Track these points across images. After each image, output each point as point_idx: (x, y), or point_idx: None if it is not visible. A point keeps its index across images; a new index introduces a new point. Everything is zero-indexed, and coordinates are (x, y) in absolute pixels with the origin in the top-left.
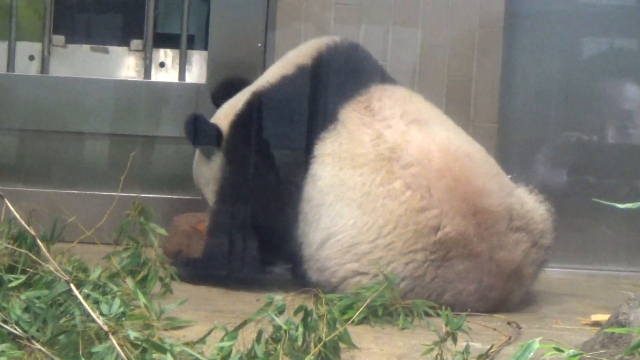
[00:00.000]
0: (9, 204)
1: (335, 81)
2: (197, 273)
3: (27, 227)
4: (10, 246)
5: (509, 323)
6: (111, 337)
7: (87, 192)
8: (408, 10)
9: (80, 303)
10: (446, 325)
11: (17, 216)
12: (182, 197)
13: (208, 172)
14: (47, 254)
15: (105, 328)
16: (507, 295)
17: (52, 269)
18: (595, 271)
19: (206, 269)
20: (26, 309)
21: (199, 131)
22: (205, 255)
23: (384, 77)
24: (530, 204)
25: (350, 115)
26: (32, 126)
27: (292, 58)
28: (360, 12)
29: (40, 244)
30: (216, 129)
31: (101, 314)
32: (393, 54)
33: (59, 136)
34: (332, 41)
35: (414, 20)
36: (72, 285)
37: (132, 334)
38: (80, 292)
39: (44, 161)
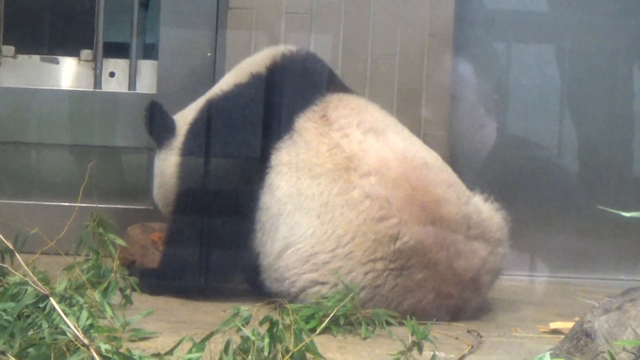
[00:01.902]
0: None
1: (290, 90)
2: (155, 284)
3: (6, 241)
4: None
5: (469, 331)
6: (92, 350)
7: (42, 203)
8: (358, 19)
9: (51, 315)
10: (412, 334)
11: None
12: (134, 207)
13: (164, 181)
14: (24, 266)
15: (86, 341)
16: (465, 303)
17: (29, 281)
18: (546, 278)
19: (164, 279)
20: None
21: (157, 120)
22: (163, 266)
23: (340, 86)
24: (486, 212)
25: (306, 124)
26: None
27: (247, 66)
28: (310, 21)
29: (18, 255)
30: (173, 123)
31: (67, 326)
32: (343, 62)
33: (10, 147)
34: (288, 50)
35: (364, 28)
36: (51, 299)
37: (103, 347)
38: (47, 305)
39: None
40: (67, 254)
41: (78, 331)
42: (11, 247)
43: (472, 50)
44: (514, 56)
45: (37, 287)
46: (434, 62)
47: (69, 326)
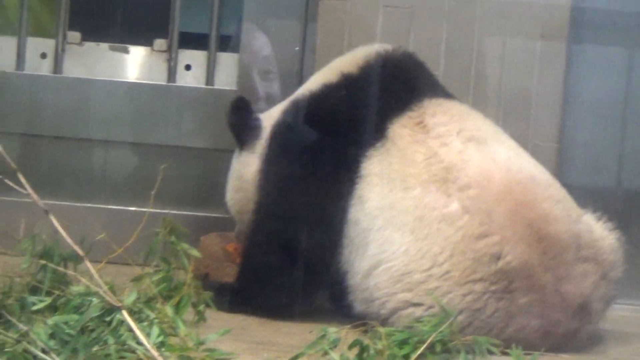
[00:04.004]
0: (55, 222)
1: (384, 93)
2: (232, 300)
3: (75, 247)
4: (51, 264)
5: None
6: None
7: (107, 207)
8: (463, 16)
9: (118, 330)
10: None
11: (65, 235)
12: (208, 214)
13: (241, 186)
14: (95, 275)
15: (160, 359)
16: (574, 332)
17: (100, 291)
18: None
19: (242, 296)
20: (52, 335)
21: (242, 118)
22: (242, 281)
23: (439, 91)
24: (598, 232)
25: (401, 131)
26: (43, 131)
27: (338, 66)
28: (410, 16)
29: (88, 263)
30: (259, 123)
31: (138, 343)
32: (445, 63)
33: (72, 143)
34: (383, 49)
35: (470, 26)
36: (124, 312)
37: None
38: (114, 318)
39: (54, 170)
40: (134, 264)
41: (152, 348)
42: (81, 253)
43: (588, 54)
44: (636, 61)
45: (107, 299)
46: (546, 66)
47: (140, 342)
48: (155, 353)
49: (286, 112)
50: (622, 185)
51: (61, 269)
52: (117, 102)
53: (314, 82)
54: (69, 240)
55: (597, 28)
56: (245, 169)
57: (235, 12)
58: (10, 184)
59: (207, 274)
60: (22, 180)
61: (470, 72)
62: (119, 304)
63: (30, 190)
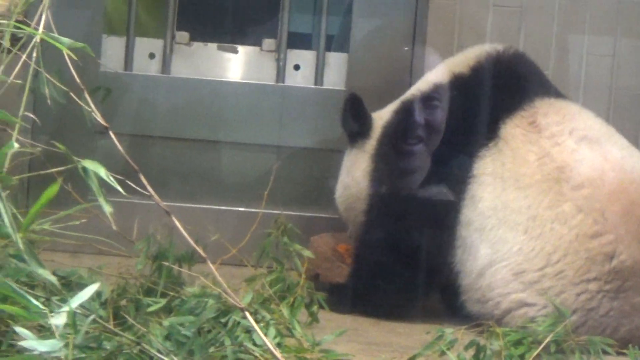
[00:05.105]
0: (177, 222)
1: (496, 93)
2: (345, 301)
3: (198, 248)
4: (174, 266)
5: None
6: None
7: (218, 207)
8: (574, 15)
9: (234, 331)
10: None
11: (187, 236)
12: (317, 215)
13: (350, 184)
14: (217, 275)
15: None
16: None
17: (222, 293)
18: None
19: (355, 297)
20: (167, 337)
21: (354, 115)
22: (354, 282)
23: (551, 90)
24: None
25: (513, 131)
26: (152, 132)
27: (449, 66)
28: (520, 15)
29: (210, 264)
30: (371, 121)
31: (254, 344)
32: (556, 63)
33: (182, 144)
34: (494, 49)
35: (580, 26)
36: (247, 314)
37: None
38: (229, 320)
39: (163, 170)
40: (248, 265)
41: (275, 349)
42: (203, 254)
43: None
44: None
45: (229, 300)
46: None
47: (257, 344)
48: (278, 354)
49: (397, 112)
50: None
51: (177, 268)
52: (225, 102)
53: (425, 83)
54: (190, 241)
55: None
56: (355, 167)
57: (345, 11)
58: (132, 185)
59: (318, 275)
60: (144, 181)
61: (581, 72)
62: (242, 305)
63: (152, 191)
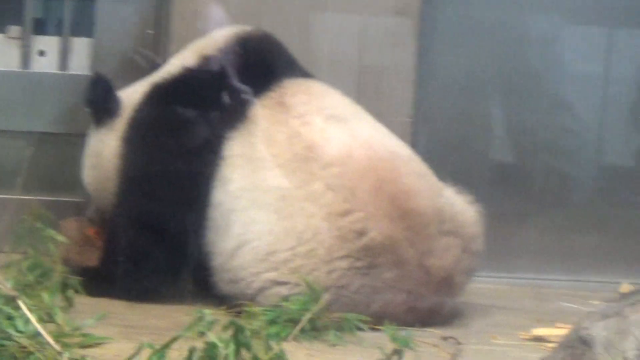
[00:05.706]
0: None
1: (244, 75)
2: (98, 284)
3: None
4: None
5: (444, 339)
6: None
7: None
8: None
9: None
10: (393, 341)
11: None
12: (66, 199)
13: (99, 163)
14: None
15: (58, 348)
16: (438, 306)
17: None
18: (517, 280)
19: (108, 280)
20: None
21: (100, 94)
22: (106, 265)
23: (298, 71)
24: (459, 205)
25: (262, 112)
26: None
27: (197, 48)
28: None
29: None
30: (119, 101)
31: (17, 330)
32: (299, 42)
33: None
34: (243, 31)
35: (322, 4)
36: (20, 302)
37: (66, 354)
38: None
39: None
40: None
41: (49, 337)
42: None
43: (440, 30)
44: (498, 36)
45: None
46: (398, 42)
47: (20, 331)
48: (51, 340)
49: (147, 95)
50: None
51: None
52: None
53: (173, 65)
54: None
55: (449, 4)
56: (103, 146)
57: None
58: None
59: (69, 259)
60: None
61: (323, 50)
62: (15, 293)
63: None
